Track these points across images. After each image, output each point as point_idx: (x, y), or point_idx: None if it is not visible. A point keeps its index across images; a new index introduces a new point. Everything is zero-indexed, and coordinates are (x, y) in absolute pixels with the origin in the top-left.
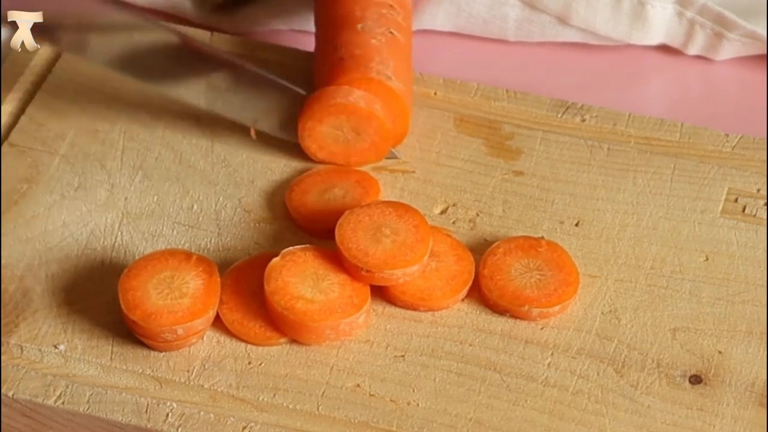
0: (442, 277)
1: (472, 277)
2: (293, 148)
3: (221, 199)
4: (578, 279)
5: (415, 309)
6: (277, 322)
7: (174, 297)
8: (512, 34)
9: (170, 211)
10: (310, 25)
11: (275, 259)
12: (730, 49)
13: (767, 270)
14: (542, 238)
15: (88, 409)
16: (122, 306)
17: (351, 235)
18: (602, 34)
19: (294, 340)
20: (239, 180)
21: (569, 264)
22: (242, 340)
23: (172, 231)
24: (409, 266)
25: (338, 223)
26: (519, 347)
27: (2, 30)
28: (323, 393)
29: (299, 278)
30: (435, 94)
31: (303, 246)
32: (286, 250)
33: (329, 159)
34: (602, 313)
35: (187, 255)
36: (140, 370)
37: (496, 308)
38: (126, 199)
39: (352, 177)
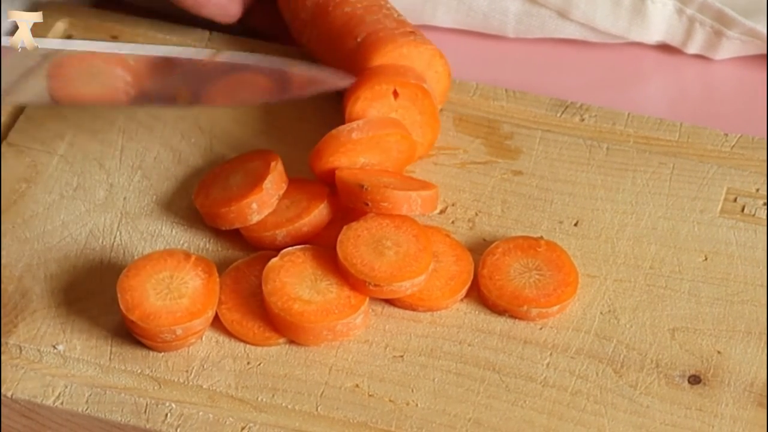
0: (441, 278)
1: (471, 277)
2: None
3: None
4: (577, 279)
5: (414, 309)
6: (275, 323)
7: (173, 297)
8: (512, 29)
9: (169, 211)
10: None
11: (274, 260)
12: (730, 47)
13: (766, 270)
14: (541, 237)
15: (86, 409)
16: (121, 306)
17: (353, 250)
18: (602, 29)
19: (293, 341)
20: None
21: (568, 264)
22: (241, 341)
23: (171, 231)
24: (416, 276)
25: (338, 240)
26: (518, 347)
27: (2, 29)
28: (322, 393)
29: (297, 279)
30: None
31: (302, 246)
32: (285, 250)
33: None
34: (601, 313)
35: (186, 255)
36: (139, 371)
37: (495, 308)
38: (125, 198)
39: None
